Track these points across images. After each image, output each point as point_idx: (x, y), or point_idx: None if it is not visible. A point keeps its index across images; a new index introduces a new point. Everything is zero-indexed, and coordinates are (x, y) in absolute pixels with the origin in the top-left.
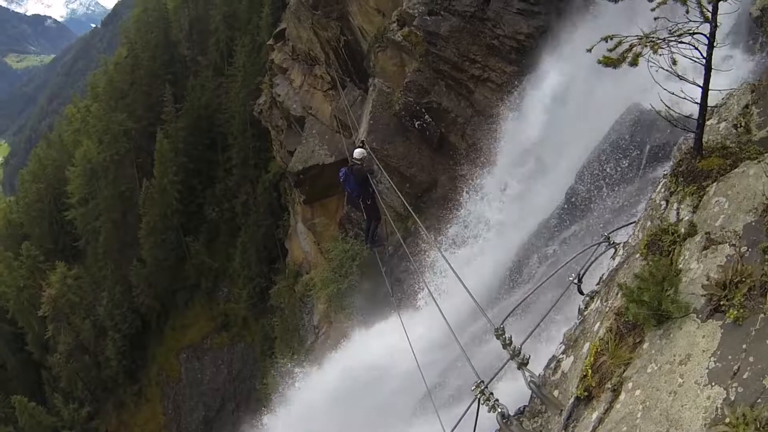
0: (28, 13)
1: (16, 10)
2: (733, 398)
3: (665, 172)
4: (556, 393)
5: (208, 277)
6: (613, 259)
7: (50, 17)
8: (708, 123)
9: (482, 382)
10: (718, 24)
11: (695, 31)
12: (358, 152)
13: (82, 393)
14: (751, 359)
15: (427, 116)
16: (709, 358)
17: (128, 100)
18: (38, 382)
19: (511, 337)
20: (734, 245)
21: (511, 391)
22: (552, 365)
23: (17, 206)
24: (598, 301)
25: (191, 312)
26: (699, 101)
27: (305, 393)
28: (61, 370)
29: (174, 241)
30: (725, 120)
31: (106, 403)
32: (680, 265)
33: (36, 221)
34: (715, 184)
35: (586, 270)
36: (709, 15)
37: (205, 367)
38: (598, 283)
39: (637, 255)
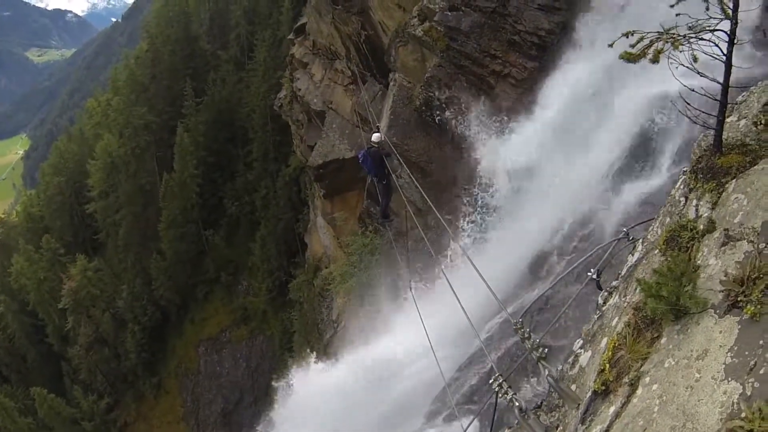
0: (49, 8)
1: (37, 5)
2: (749, 393)
3: (684, 169)
4: (573, 387)
5: (227, 270)
6: (632, 254)
7: (71, 12)
8: (728, 120)
9: (500, 375)
10: (739, 21)
11: (715, 27)
12: (375, 136)
13: (101, 385)
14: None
15: (447, 112)
16: (726, 353)
17: (149, 94)
18: (58, 373)
19: (530, 331)
20: (752, 242)
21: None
22: (570, 360)
23: (38, 199)
24: (617, 297)
25: (210, 305)
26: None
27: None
28: (81, 362)
29: (194, 235)
30: (745, 117)
31: (125, 395)
32: (699, 261)
33: (57, 214)
34: (734, 181)
35: (605, 266)
36: (730, 11)
37: (224, 360)
38: (616, 279)
39: (656, 251)
